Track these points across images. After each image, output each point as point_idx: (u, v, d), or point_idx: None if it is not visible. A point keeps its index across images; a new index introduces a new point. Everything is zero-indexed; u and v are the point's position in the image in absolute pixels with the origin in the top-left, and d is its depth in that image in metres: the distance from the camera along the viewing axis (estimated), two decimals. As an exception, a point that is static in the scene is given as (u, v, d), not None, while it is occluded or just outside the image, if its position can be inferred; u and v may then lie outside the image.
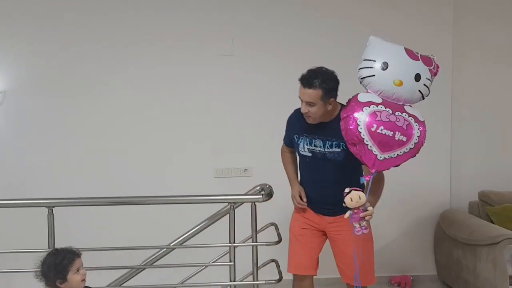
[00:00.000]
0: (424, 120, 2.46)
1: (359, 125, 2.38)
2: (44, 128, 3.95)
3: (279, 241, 3.04)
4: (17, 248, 3.04)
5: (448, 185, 4.26)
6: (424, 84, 2.45)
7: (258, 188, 3.17)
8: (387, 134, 2.38)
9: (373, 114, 2.39)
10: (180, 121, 3.99)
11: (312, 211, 2.83)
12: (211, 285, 3.41)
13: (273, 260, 3.23)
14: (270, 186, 3.12)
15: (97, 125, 3.99)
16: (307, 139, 2.71)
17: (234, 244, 2.96)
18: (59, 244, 2.84)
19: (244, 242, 3.11)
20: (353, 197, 2.36)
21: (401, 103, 2.46)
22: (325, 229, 2.83)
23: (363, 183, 2.46)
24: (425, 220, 4.24)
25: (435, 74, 2.52)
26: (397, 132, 2.38)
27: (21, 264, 2.92)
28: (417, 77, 2.43)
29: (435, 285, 4.19)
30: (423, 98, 2.49)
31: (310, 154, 2.72)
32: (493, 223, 3.80)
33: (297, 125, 2.76)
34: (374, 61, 2.44)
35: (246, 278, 3.12)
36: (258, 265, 3.09)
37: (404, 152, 2.42)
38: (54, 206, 2.84)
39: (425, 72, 2.45)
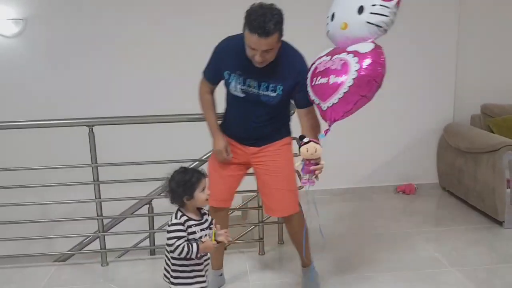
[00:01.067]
0: (373, 50, 2.15)
1: (307, 85, 2.35)
2: (72, 52, 4.12)
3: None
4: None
5: (452, 100, 4.50)
6: (372, 13, 2.13)
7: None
8: (322, 82, 2.24)
9: (314, 69, 2.31)
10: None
11: (236, 142, 2.65)
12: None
13: None
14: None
15: (124, 45, 4.14)
16: (241, 78, 2.44)
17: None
18: (100, 160, 3.14)
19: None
20: (310, 148, 2.27)
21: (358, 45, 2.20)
22: (247, 160, 2.68)
23: (322, 139, 2.36)
24: (429, 133, 4.52)
25: None
26: (331, 76, 2.19)
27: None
28: (360, 10, 2.15)
29: (437, 191, 4.55)
30: (383, 27, 2.16)
31: (242, 95, 2.49)
32: (494, 133, 4.08)
33: (229, 60, 2.45)
34: (328, 17, 2.33)
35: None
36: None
37: (345, 92, 2.16)
38: (94, 125, 3.08)
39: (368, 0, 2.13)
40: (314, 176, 2.36)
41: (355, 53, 2.16)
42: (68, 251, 3.38)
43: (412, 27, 4.29)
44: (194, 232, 2.13)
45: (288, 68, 2.42)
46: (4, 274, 3.14)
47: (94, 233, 3.27)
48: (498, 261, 3.17)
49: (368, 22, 2.13)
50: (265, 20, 2.16)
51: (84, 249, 3.38)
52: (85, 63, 4.15)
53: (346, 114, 2.24)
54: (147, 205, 3.37)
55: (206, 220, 2.21)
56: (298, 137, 2.39)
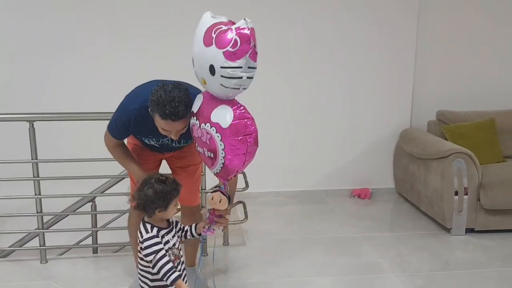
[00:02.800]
0: (233, 123, 1.97)
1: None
2: (27, 46, 4.05)
3: (246, 187, 3.32)
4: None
5: (409, 106, 4.52)
6: (222, 76, 1.91)
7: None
8: (200, 151, 2.21)
9: (192, 129, 2.21)
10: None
11: (151, 151, 2.63)
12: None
13: (240, 202, 3.53)
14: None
15: (80, 42, 4.08)
16: (154, 138, 2.43)
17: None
18: (41, 156, 3.11)
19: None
20: (214, 197, 2.20)
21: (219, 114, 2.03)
22: (162, 158, 2.73)
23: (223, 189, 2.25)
24: (386, 138, 4.54)
25: (244, 52, 1.86)
26: (204, 149, 2.15)
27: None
28: (212, 70, 1.94)
29: (392, 197, 4.57)
30: (240, 89, 1.97)
31: (157, 145, 2.50)
32: (447, 140, 4.11)
33: (143, 129, 2.37)
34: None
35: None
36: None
37: (223, 163, 2.06)
38: (34, 121, 3.04)
39: (218, 60, 1.90)
40: (215, 226, 2.28)
41: (218, 128, 2.01)
42: (8, 247, 3.34)
43: (371, 32, 4.32)
44: (167, 241, 2.14)
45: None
46: None
47: (34, 230, 3.23)
48: (438, 268, 3.19)
49: (222, 85, 1.95)
50: (175, 106, 2.08)
51: (24, 246, 3.34)
52: (30, 58, 4.06)
53: (238, 172, 2.14)
54: (90, 203, 3.34)
55: (172, 224, 2.22)
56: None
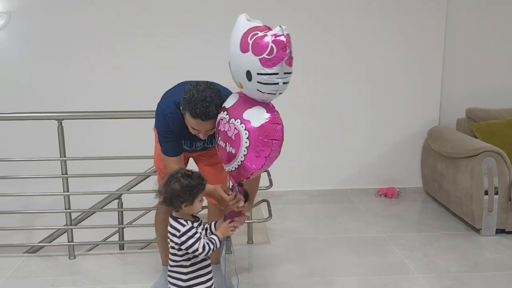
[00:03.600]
0: (265, 124, 1.98)
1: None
2: (51, 46, 4.13)
3: (270, 186, 3.31)
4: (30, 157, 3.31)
5: (438, 103, 4.43)
6: (259, 82, 1.94)
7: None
8: (220, 144, 2.20)
9: (218, 122, 2.21)
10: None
11: None
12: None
13: (264, 200, 3.52)
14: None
15: (103, 42, 4.14)
16: (189, 142, 2.47)
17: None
18: (69, 154, 3.17)
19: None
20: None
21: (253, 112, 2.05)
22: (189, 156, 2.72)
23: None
24: (413, 136, 4.46)
25: (280, 59, 1.88)
26: (227, 144, 2.13)
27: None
28: (248, 76, 1.97)
29: (420, 196, 4.49)
30: (276, 94, 1.99)
31: (189, 149, 2.53)
32: (476, 138, 4.01)
33: (181, 132, 2.35)
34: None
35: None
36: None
37: (241, 162, 2.07)
38: (63, 119, 3.10)
39: (255, 66, 1.92)
40: (236, 223, 2.29)
41: (248, 126, 2.02)
42: (38, 243, 3.42)
43: (400, 30, 4.26)
44: (206, 229, 2.25)
45: None
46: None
47: (63, 226, 3.30)
48: (467, 269, 3.12)
49: (258, 90, 1.98)
50: (206, 105, 2.11)
51: (53, 242, 3.41)
52: (57, 57, 4.14)
53: (252, 176, 2.11)
54: (117, 200, 3.39)
55: (199, 219, 2.25)
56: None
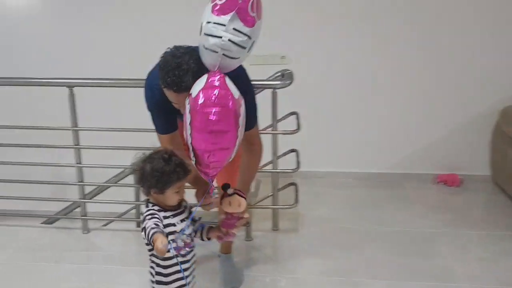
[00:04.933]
0: (201, 91, 1.67)
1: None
2: (67, 13, 3.99)
3: (297, 130, 2.89)
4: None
5: (514, 78, 3.73)
6: (205, 33, 1.67)
7: (279, 73, 2.97)
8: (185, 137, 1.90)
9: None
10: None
11: None
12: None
13: (293, 150, 3.10)
14: (291, 72, 2.90)
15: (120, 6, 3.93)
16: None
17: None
18: (81, 123, 2.98)
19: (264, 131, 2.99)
20: (233, 202, 1.92)
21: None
22: None
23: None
24: (482, 116, 3.80)
25: (233, 6, 1.61)
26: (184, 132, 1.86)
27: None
28: (200, 29, 1.70)
29: (486, 186, 3.84)
30: (218, 52, 1.66)
31: None
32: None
33: (170, 105, 1.97)
34: None
35: (265, 167, 3.04)
36: (278, 154, 3.00)
37: (193, 152, 1.80)
38: (74, 86, 2.90)
39: (206, 15, 1.68)
40: (235, 229, 1.96)
41: (189, 97, 1.72)
42: (54, 215, 3.31)
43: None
44: (173, 224, 1.80)
45: None
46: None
47: (77, 199, 3.14)
48: (527, 282, 2.57)
49: (203, 46, 1.69)
50: (180, 74, 1.76)
51: (68, 214, 3.29)
52: (69, 22, 3.98)
53: (210, 161, 1.75)
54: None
55: (185, 207, 1.88)
56: (221, 186, 1.96)
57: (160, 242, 1.61)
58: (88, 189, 3.22)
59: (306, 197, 3.59)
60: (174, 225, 1.81)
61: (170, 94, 1.85)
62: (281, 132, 2.92)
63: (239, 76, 1.96)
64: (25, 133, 3.08)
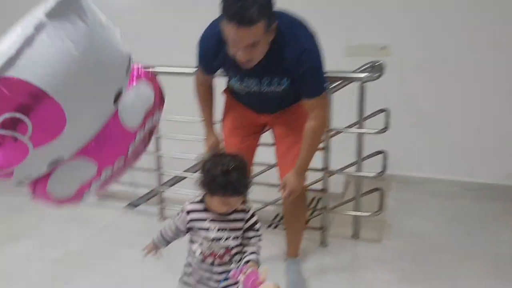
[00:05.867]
0: None
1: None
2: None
3: (384, 129, 2.57)
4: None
5: None
6: None
7: (368, 65, 2.67)
8: None
9: None
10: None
11: (247, 109, 2.27)
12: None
13: (377, 189, 2.79)
14: (381, 63, 2.58)
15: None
16: (237, 76, 2.04)
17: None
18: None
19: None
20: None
21: None
22: (262, 123, 2.34)
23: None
24: None
25: None
26: None
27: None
28: None
29: None
30: None
31: (244, 92, 2.11)
32: None
33: (219, 57, 1.99)
34: None
35: (347, 169, 2.77)
36: (363, 155, 2.71)
37: None
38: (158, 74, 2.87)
39: None
40: None
41: None
42: (136, 200, 3.36)
43: None
44: (206, 229, 1.67)
45: (291, 57, 1.88)
46: (71, 210, 3.27)
47: (156, 186, 3.14)
48: None
49: None
50: (244, 5, 1.64)
51: (149, 201, 3.32)
52: (168, 11, 3.90)
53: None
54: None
55: (241, 219, 1.70)
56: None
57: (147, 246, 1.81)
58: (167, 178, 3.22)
59: (397, 204, 3.27)
60: (206, 229, 1.67)
61: (229, 30, 1.72)
62: (366, 131, 2.63)
63: (304, 52, 1.89)
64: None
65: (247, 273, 1.57)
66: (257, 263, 1.67)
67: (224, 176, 1.59)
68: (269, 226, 2.99)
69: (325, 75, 2.02)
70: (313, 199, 3.19)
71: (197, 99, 2.29)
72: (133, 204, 3.32)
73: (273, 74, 1.96)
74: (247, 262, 1.67)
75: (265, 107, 2.22)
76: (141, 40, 4.03)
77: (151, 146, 2.93)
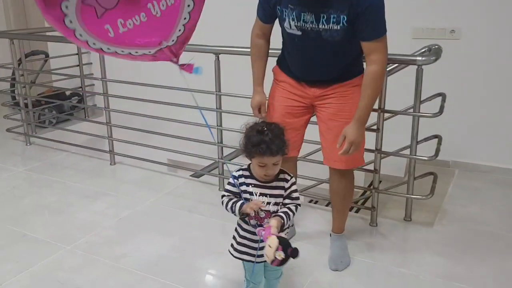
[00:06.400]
0: None
1: None
2: None
3: (438, 113, 2.55)
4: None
5: None
6: None
7: (425, 49, 2.65)
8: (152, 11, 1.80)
9: None
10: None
11: (296, 83, 2.26)
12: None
13: (436, 136, 2.76)
14: (439, 47, 2.56)
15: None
16: (294, 12, 2.03)
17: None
18: (224, 88, 3.12)
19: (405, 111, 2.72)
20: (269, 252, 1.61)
21: None
22: (311, 102, 2.28)
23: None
24: None
25: None
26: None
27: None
28: None
29: None
30: None
31: (299, 33, 2.07)
32: None
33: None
34: None
35: (402, 151, 2.78)
36: (418, 139, 2.70)
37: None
38: (220, 53, 3.05)
39: None
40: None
41: None
42: (200, 170, 3.58)
43: None
44: (250, 193, 1.81)
45: None
46: (143, 177, 3.58)
47: (216, 159, 3.33)
48: None
49: None
50: None
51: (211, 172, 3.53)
52: None
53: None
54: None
55: (282, 187, 1.83)
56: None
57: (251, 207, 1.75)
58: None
59: (457, 191, 3.23)
60: (251, 193, 1.81)
61: None
62: (420, 114, 2.62)
63: None
64: (179, 93, 3.34)
65: (265, 227, 1.71)
66: (281, 219, 1.76)
67: (258, 135, 1.74)
68: (314, 202, 3.08)
69: (384, 17, 1.98)
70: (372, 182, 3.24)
71: (251, 52, 2.34)
72: (197, 175, 3.55)
73: (332, 8, 1.95)
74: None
75: (319, 68, 2.16)
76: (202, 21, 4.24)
77: (212, 122, 3.15)
